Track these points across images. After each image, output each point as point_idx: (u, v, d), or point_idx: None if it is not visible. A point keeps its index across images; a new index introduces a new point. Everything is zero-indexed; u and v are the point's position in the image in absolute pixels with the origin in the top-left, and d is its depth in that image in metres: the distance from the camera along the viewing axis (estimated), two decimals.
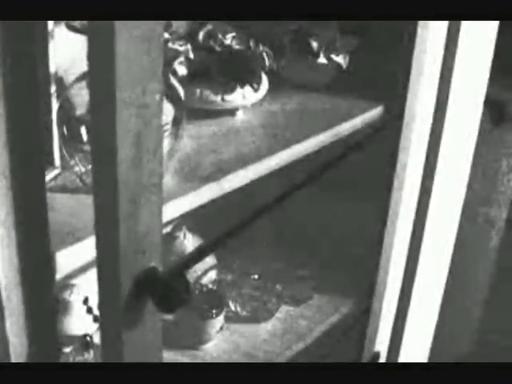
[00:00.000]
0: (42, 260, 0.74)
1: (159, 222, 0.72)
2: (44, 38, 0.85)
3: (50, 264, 0.75)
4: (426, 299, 1.78)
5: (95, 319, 1.22)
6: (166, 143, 0.94)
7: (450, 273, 1.84)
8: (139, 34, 0.62)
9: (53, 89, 0.89)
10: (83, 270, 1.28)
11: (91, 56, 0.62)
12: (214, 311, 1.25)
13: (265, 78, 1.13)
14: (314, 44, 1.20)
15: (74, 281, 1.22)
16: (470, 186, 1.74)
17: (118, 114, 0.61)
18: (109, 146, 0.63)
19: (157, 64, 0.64)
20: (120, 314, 0.70)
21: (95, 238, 0.71)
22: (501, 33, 1.47)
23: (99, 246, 0.70)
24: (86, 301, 1.21)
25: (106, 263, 0.70)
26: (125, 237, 0.68)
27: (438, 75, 1.29)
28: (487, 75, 1.55)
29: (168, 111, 0.93)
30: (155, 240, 0.72)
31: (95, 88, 0.63)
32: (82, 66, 1.01)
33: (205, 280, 1.33)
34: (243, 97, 1.10)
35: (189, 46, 1.06)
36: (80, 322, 1.19)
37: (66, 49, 1.01)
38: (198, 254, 0.86)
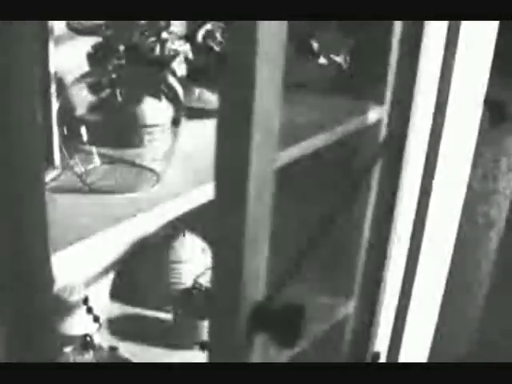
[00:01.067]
0: (42, 260, 0.74)
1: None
2: (44, 38, 0.85)
3: (49, 264, 0.75)
4: (426, 299, 1.78)
5: (95, 319, 1.22)
6: (165, 143, 0.94)
7: (450, 273, 1.84)
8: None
9: (53, 89, 0.89)
10: (83, 270, 1.28)
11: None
12: None
13: None
14: (314, 44, 1.20)
15: (73, 281, 1.22)
16: (470, 186, 1.74)
17: None
18: None
19: None
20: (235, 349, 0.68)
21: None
22: (501, 33, 1.47)
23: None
24: (86, 301, 1.21)
25: (225, 294, 0.68)
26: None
27: (437, 75, 1.29)
28: (487, 75, 1.55)
29: (167, 111, 0.93)
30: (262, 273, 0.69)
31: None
32: (82, 67, 1.01)
33: (204, 280, 1.33)
34: None
35: (188, 46, 1.06)
36: (80, 322, 1.19)
37: (66, 49, 1.01)
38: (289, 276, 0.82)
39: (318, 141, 1.09)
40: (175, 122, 0.94)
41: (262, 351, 0.70)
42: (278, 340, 0.67)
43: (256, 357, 0.70)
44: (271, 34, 0.58)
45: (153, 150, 0.94)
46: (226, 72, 0.59)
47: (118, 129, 0.93)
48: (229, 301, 0.66)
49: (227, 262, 0.66)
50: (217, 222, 0.66)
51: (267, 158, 0.63)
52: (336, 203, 0.87)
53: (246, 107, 0.60)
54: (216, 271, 0.68)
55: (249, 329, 0.67)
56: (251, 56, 0.58)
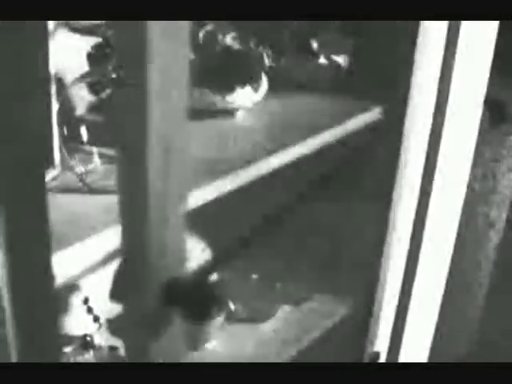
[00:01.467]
0: (42, 260, 0.74)
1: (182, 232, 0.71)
2: (44, 38, 0.85)
3: (49, 264, 0.75)
4: (426, 299, 1.78)
5: (95, 319, 1.22)
6: None
7: (450, 273, 1.84)
8: None
9: (53, 89, 0.89)
10: (83, 270, 1.28)
11: None
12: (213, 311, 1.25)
13: (265, 78, 1.13)
14: (314, 44, 1.20)
15: (73, 281, 1.22)
16: (469, 186, 1.74)
17: None
18: None
19: None
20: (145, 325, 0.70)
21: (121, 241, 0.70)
22: (501, 33, 1.47)
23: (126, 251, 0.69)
24: (85, 301, 1.21)
25: (134, 271, 0.70)
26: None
27: (437, 75, 1.29)
28: (487, 75, 1.55)
29: None
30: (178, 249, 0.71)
31: None
32: (82, 67, 1.01)
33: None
34: (243, 97, 1.10)
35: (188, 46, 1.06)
36: (80, 322, 1.20)
37: (66, 49, 1.01)
38: (215, 263, 0.85)
39: (317, 141, 1.09)
40: None
41: (173, 326, 0.73)
42: (187, 314, 0.69)
43: (167, 331, 0.72)
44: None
45: None
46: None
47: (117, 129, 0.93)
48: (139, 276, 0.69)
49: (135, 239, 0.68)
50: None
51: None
52: (291, 195, 0.89)
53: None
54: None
55: (159, 303, 0.69)
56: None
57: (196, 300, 0.69)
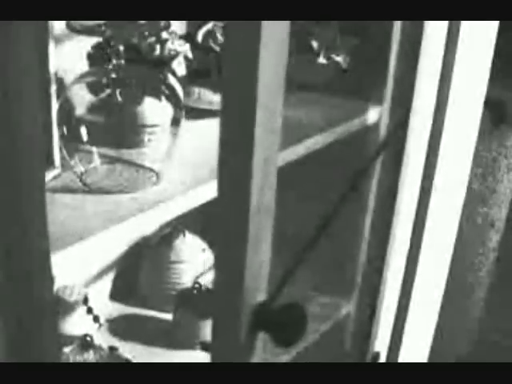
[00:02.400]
0: (42, 260, 0.74)
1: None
2: (44, 38, 0.85)
3: (49, 264, 0.74)
4: (426, 299, 1.78)
5: (95, 319, 1.22)
6: (165, 143, 0.94)
7: (450, 273, 1.84)
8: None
9: (53, 89, 0.89)
10: (83, 270, 1.28)
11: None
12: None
13: None
14: (314, 44, 1.20)
15: (73, 281, 1.22)
16: (469, 186, 1.74)
17: None
18: None
19: None
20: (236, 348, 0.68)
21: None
22: (501, 33, 1.47)
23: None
24: (86, 301, 1.21)
25: (226, 294, 0.68)
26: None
27: (438, 75, 1.29)
28: (487, 75, 1.55)
29: (167, 111, 0.93)
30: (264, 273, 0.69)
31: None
32: (82, 67, 1.01)
33: (204, 280, 1.33)
34: None
35: (188, 46, 1.06)
36: (80, 322, 1.20)
37: (66, 49, 1.01)
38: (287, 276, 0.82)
39: (317, 141, 1.09)
40: (175, 122, 0.94)
41: (263, 351, 0.70)
42: (278, 340, 0.67)
43: (257, 356, 0.70)
44: (274, 32, 0.58)
45: (153, 150, 0.94)
46: (229, 70, 0.59)
47: (118, 129, 0.93)
48: (231, 301, 0.66)
49: (230, 261, 0.66)
50: (219, 220, 0.66)
51: (270, 155, 0.62)
52: (335, 203, 0.87)
53: (249, 105, 0.60)
54: (218, 271, 0.68)
55: (250, 329, 0.67)
56: (254, 54, 0.58)
57: (289, 324, 0.67)
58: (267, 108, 0.61)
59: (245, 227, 0.64)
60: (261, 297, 0.68)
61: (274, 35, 0.58)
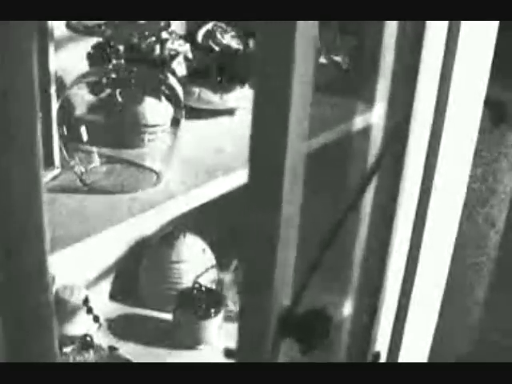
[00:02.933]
0: (41, 260, 0.74)
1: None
2: (44, 38, 0.85)
3: (48, 264, 0.74)
4: (426, 299, 1.78)
5: (95, 319, 1.22)
6: (165, 143, 0.94)
7: (450, 273, 1.84)
8: None
9: (53, 89, 0.89)
10: (83, 270, 1.28)
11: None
12: (212, 311, 1.25)
13: None
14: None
15: (74, 281, 1.22)
16: (469, 186, 1.74)
17: None
18: None
19: None
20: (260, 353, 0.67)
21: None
22: (501, 33, 1.47)
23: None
24: (86, 301, 1.21)
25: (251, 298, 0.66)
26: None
27: (437, 75, 1.29)
28: (487, 75, 1.55)
29: (167, 111, 0.93)
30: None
31: None
32: (82, 67, 1.01)
33: (204, 280, 1.33)
34: (242, 97, 1.10)
35: (188, 46, 1.06)
36: (80, 322, 1.20)
37: (66, 49, 1.01)
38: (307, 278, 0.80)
39: (317, 141, 1.09)
40: (175, 122, 0.94)
41: (287, 356, 0.70)
42: (303, 345, 0.66)
43: (281, 361, 0.69)
44: (306, 34, 0.59)
45: (153, 150, 0.94)
46: (263, 66, 0.59)
47: (118, 129, 0.93)
48: (260, 305, 0.65)
49: (259, 263, 0.65)
50: (248, 213, 0.63)
51: (300, 146, 0.62)
52: (346, 205, 0.86)
53: (283, 98, 0.60)
54: (247, 275, 0.66)
55: (277, 334, 0.66)
56: (290, 50, 0.59)
57: (315, 330, 0.66)
58: (299, 101, 0.61)
59: (276, 223, 0.62)
60: (286, 301, 0.67)
61: (306, 35, 0.59)
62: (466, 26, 1.29)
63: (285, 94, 0.59)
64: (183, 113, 0.95)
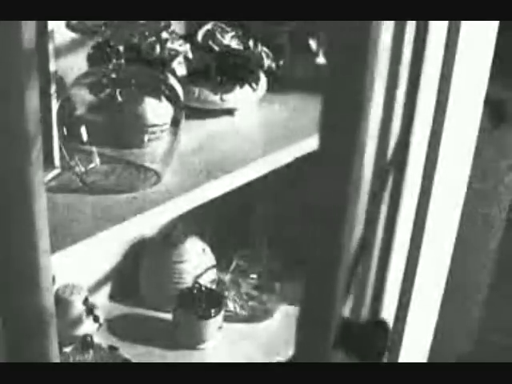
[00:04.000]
0: (41, 260, 0.74)
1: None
2: (44, 38, 0.85)
3: (49, 264, 0.75)
4: (426, 299, 1.78)
5: (95, 319, 1.22)
6: (165, 143, 0.94)
7: (450, 273, 1.84)
8: None
9: (53, 89, 0.89)
10: (83, 270, 1.28)
11: None
12: (212, 311, 1.25)
13: (264, 78, 1.13)
14: (314, 44, 1.20)
15: (74, 281, 1.22)
16: (469, 186, 1.74)
17: None
18: None
19: None
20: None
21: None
22: (501, 33, 1.47)
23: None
24: (86, 301, 1.21)
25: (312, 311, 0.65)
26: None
27: (438, 75, 1.29)
28: (487, 75, 1.55)
29: (167, 111, 0.93)
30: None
31: None
32: (82, 67, 1.01)
33: (204, 280, 1.33)
34: (242, 97, 1.10)
35: (188, 46, 1.06)
36: (80, 322, 1.20)
37: (66, 49, 1.01)
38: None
39: (316, 141, 1.09)
40: (175, 122, 0.94)
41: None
42: (360, 355, 0.66)
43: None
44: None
45: (153, 149, 0.94)
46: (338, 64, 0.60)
47: (117, 129, 0.93)
48: (321, 314, 0.64)
49: (323, 273, 0.64)
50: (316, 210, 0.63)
51: (365, 139, 0.63)
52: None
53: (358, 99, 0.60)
54: (309, 284, 0.66)
55: (335, 344, 0.65)
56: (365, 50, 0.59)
57: (373, 342, 0.65)
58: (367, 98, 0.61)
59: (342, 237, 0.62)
60: (344, 311, 0.67)
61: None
62: (466, 26, 1.29)
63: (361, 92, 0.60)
64: (183, 113, 0.95)
